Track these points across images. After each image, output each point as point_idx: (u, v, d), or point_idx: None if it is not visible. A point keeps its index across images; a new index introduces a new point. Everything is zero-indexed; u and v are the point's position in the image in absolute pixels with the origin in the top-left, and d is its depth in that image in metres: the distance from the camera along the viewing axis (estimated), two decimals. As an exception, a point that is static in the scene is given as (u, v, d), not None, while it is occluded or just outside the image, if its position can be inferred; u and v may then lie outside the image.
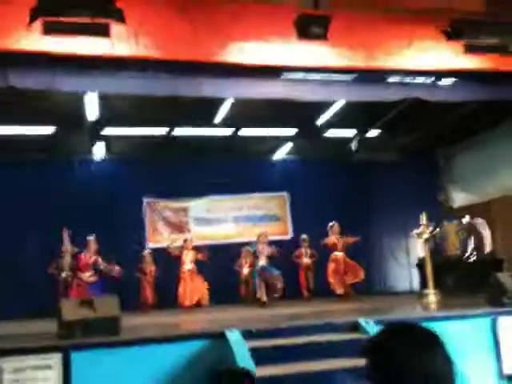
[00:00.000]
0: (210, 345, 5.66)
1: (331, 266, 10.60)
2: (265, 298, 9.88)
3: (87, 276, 9.60)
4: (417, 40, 6.98)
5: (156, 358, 5.43)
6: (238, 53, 6.26)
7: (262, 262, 10.28)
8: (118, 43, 5.46)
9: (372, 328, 5.97)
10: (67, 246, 9.96)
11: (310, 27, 5.30)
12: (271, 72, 6.63)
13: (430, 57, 7.07)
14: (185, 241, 10.78)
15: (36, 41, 5.50)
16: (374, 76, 7.10)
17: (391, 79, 7.39)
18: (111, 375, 5.31)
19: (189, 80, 6.43)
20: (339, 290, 10.43)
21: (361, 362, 4.99)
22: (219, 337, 5.66)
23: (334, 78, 6.99)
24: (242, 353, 5.33)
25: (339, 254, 10.68)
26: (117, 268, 9.81)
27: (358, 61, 6.56)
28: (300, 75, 6.80)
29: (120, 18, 4.79)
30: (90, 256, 9.67)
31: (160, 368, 5.37)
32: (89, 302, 5.63)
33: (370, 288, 12.21)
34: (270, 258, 10.41)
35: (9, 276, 10.85)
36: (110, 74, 6.15)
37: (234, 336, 5.65)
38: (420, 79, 7.55)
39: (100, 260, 9.69)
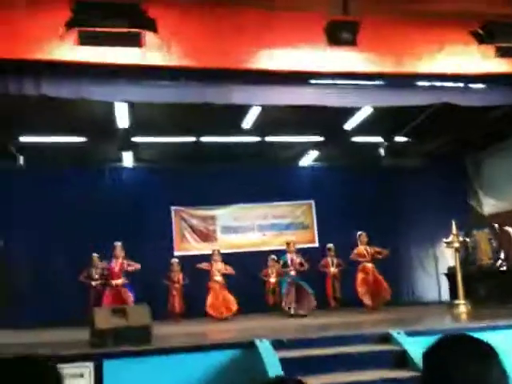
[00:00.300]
0: (240, 354, 5.62)
1: (360, 276, 10.38)
2: (293, 311, 9.77)
3: (120, 282, 9.65)
4: (447, 44, 6.88)
5: (186, 367, 5.42)
6: (267, 60, 6.25)
7: (292, 272, 10.22)
8: (149, 52, 5.50)
9: (404, 339, 5.87)
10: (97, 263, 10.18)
11: (339, 33, 5.26)
12: (300, 78, 6.61)
13: (460, 61, 6.95)
14: (213, 252, 10.77)
15: (69, 51, 5.58)
16: (403, 81, 7.01)
17: (420, 84, 7.30)
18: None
19: (218, 87, 6.44)
20: (367, 301, 10.22)
21: (392, 373, 4.88)
22: (249, 346, 5.62)
23: (362, 84, 6.92)
24: (272, 363, 5.28)
25: (368, 265, 10.46)
26: (137, 265, 9.80)
27: (387, 66, 6.49)
28: (329, 81, 6.76)
29: (153, 28, 4.83)
30: (119, 263, 9.73)
31: (190, 377, 5.35)
32: (121, 310, 5.66)
33: (397, 298, 11.98)
34: (300, 266, 10.37)
35: (39, 284, 10.99)
36: (141, 83, 6.21)
37: (264, 346, 5.60)
38: (450, 83, 7.44)
39: (126, 264, 9.78)
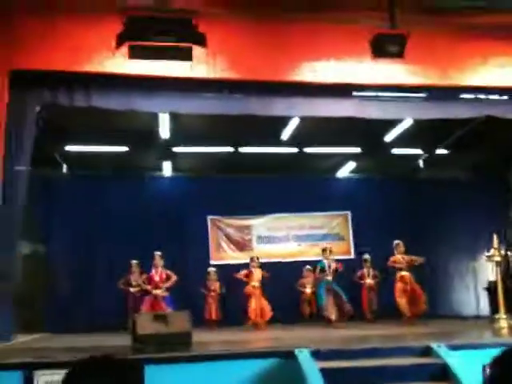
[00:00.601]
0: (279, 364, 5.64)
1: (399, 286, 10.21)
2: (333, 317, 9.82)
3: (159, 293, 9.72)
4: (492, 56, 6.85)
5: (226, 374, 5.45)
6: (310, 72, 6.34)
7: (330, 277, 10.26)
8: (196, 65, 5.65)
9: (445, 352, 5.80)
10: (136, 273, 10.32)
11: (386, 46, 5.28)
12: (342, 90, 6.66)
13: (505, 73, 6.89)
14: (251, 259, 10.80)
15: (119, 64, 5.78)
16: (446, 94, 6.98)
17: (464, 96, 7.25)
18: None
19: (261, 99, 6.56)
20: (407, 311, 10.04)
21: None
22: (288, 356, 5.63)
23: (405, 96, 6.92)
24: (312, 373, 5.28)
25: (406, 274, 10.30)
26: (174, 277, 9.87)
27: (432, 78, 6.49)
28: (371, 93, 6.79)
29: (203, 42, 4.95)
30: (159, 273, 9.84)
31: (230, 384, 5.39)
32: (162, 316, 5.76)
33: (434, 311, 11.80)
34: (336, 273, 10.37)
35: (79, 290, 11.26)
36: (187, 95, 6.37)
37: (303, 356, 5.60)
38: (493, 96, 7.36)
39: (164, 274, 9.85)
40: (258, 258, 10.79)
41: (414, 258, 10.39)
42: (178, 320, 5.72)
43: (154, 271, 9.86)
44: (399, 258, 10.41)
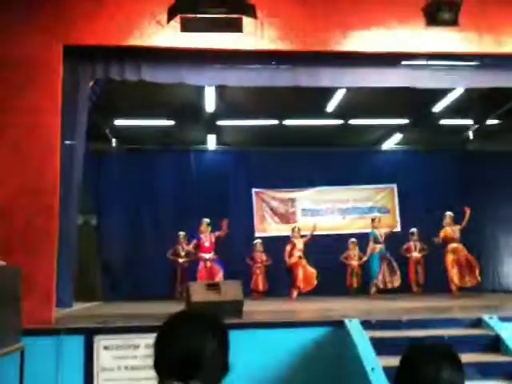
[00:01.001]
0: (329, 333, 5.73)
1: (450, 257, 10.10)
2: (389, 285, 10.23)
3: (211, 256, 10.10)
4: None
5: (277, 342, 5.59)
6: (359, 41, 6.23)
7: (382, 246, 10.54)
8: (244, 37, 5.65)
9: (496, 324, 5.76)
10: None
11: (439, 13, 5.14)
12: (392, 60, 6.54)
13: None
14: (293, 230, 10.95)
15: (169, 36, 5.84)
16: (500, 61, 6.74)
17: (519, 64, 6.99)
18: (235, 357, 5.54)
19: (308, 70, 6.50)
20: (458, 282, 9.98)
21: (485, 357, 4.80)
22: (339, 325, 5.71)
23: (457, 64, 6.74)
24: (362, 342, 5.35)
25: (457, 245, 10.18)
26: (224, 222, 10.15)
27: (485, 46, 6.28)
28: (422, 62, 6.64)
29: (253, 13, 4.94)
30: (209, 237, 10.17)
31: (281, 352, 5.52)
32: (215, 285, 5.91)
33: (483, 284, 11.65)
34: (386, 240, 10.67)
35: (129, 261, 11.64)
36: (236, 67, 6.40)
37: (353, 325, 5.67)
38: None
39: (213, 236, 10.21)
40: (299, 229, 10.94)
41: (460, 226, 10.19)
42: (231, 289, 5.86)
43: (202, 237, 10.16)
44: (449, 230, 10.28)
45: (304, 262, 10.54)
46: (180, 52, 6.06)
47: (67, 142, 6.25)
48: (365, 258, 11.10)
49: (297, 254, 10.59)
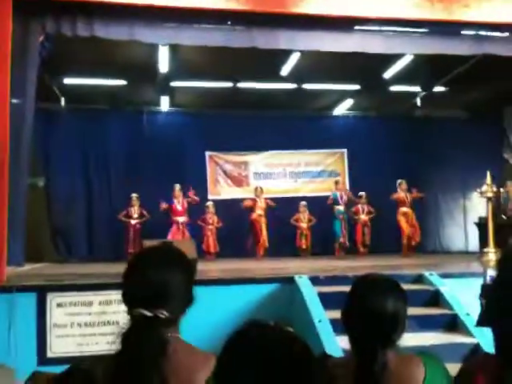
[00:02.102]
0: (280, 288, 5.97)
1: (403, 220, 10.85)
2: (347, 244, 10.98)
3: (184, 220, 10.64)
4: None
5: (230, 298, 5.78)
6: (315, 4, 6.29)
7: (342, 207, 11.13)
8: (200, -6, 5.60)
9: (436, 280, 6.13)
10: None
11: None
12: (345, 24, 6.64)
13: (510, 8, 6.85)
14: (255, 189, 11.40)
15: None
16: (449, 29, 6.97)
17: (466, 33, 7.24)
18: (190, 311, 5.69)
19: (264, 31, 6.53)
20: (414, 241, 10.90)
21: (425, 310, 5.15)
22: (289, 281, 5.95)
23: (408, 31, 6.92)
24: (311, 297, 5.60)
25: (408, 210, 10.97)
26: (197, 199, 10.83)
27: (436, 13, 6.47)
28: (374, 27, 6.77)
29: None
30: (182, 202, 10.65)
31: (234, 307, 5.68)
32: (168, 244, 5.97)
33: (424, 246, 12.24)
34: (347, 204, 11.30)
35: (79, 222, 11.52)
36: (188, 26, 6.34)
37: (302, 281, 5.92)
38: (496, 33, 7.35)
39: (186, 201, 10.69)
40: (261, 188, 11.39)
41: (416, 194, 11.09)
42: (185, 247, 5.87)
43: (175, 201, 10.59)
44: (403, 196, 11.03)
45: (264, 221, 10.99)
46: (134, 8, 5.95)
47: (16, 100, 6.07)
48: (314, 221, 11.48)
49: (258, 212, 10.97)
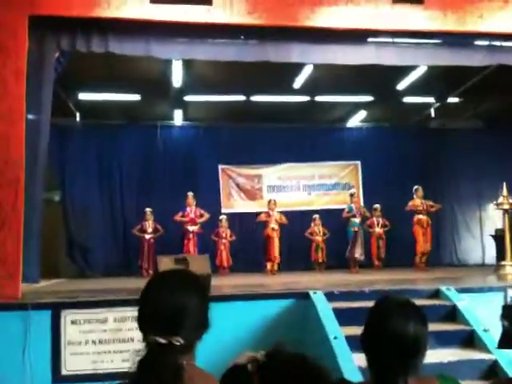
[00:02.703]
0: (295, 304, 5.89)
1: (419, 231, 10.65)
2: (362, 257, 10.64)
3: (196, 229, 10.47)
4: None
5: (245, 314, 5.72)
6: (328, 17, 6.28)
7: (358, 220, 10.84)
8: (214, 10, 5.63)
9: (454, 295, 6.02)
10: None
11: (406, -9, 5.25)
12: (359, 37, 6.62)
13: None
14: (269, 202, 11.09)
15: (137, 8, 5.76)
16: (463, 40, 6.93)
17: (479, 43, 7.19)
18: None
19: (277, 45, 6.53)
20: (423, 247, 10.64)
21: (442, 326, 5.02)
22: (304, 297, 5.88)
23: (422, 42, 6.89)
24: (326, 313, 5.52)
25: (424, 218, 10.76)
26: (207, 215, 10.71)
27: (449, 24, 6.43)
28: (388, 39, 6.75)
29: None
30: (194, 210, 10.52)
31: (250, 323, 5.64)
32: (183, 259, 5.96)
33: (440, 258, 12.10)
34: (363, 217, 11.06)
35: (94, 236, 11.53)
36: (202, 41, 6.36)
37: (317, 297, 5.84)
38: (509, 43, 7.29)
39: (199, 212, 10.58)
40: (275, 201, 11.09)
41: (431, 203, 10.87)
42: (199, 263, 5.93)
43: (188, 209, 10.50)
44: (418, 202, 10.81)
45: (277, 235, 10.70)
46: (148, 24, 6.00)
47: (32, 116, 6.13)
48: (328, 234, 11.39)
49: (272, 226, 10.69)
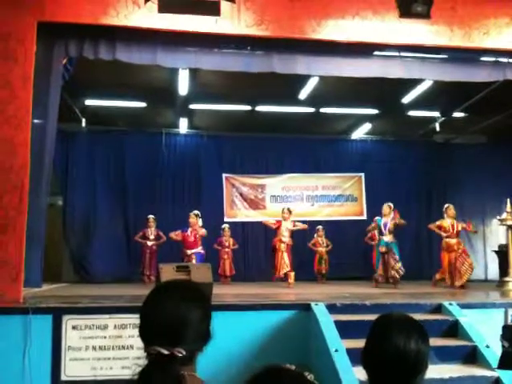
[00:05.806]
0: (296, 315, 5.87)
1: (446, 257, 9.16)
2: (381, 279, 9.36)
3: (198, 250, 9.62)
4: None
5: (246, 324, 5.70)
6: (335, 30, 6.32)
7: (387, 238, 9.25)
8: (221, 21, 5.67)
9: (456, 310, 6.00)
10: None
11: (413, 5, 5.28)
12: (365, 50, 6.66)
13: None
14: (283, 210, 10.01)
15: (144, 17, 5.81)
16: (469, 55, 6.96)
17: (485, 59, 7.22)
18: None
19: (283, 57, 6.58)
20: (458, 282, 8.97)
21: (443, 341, 4.99)
22: (305, 309, 5.86)
23: (428, 57, 6.92)
24: (327, 325, 5.51)
25: (454, 241, 9.14)
26: (204, 230, 9.75)
27: (455, 40, 6.46)
28: (394, 53, 6.79)
29: (232, -3, 4.97)
30: (194, 233, 9.64)
31: (250, 333, 5.63)
32: (185, 267, 5.95)
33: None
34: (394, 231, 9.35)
35: (96, 243, 11.54)
36: (209, 51, 6.41)
37: (319, 309, 5.83)
38: (514, 59, 7.31)
39: (198, 233, 9.66)
40: (289, 209, 9.99)
41: (464, 225, 9.40)
42: (200, 271, 5.90)
43: (189, 231, 9.62)
44: (447, 224, 9.21)
45: (285, 246, 9.65)
46: (156, 33, 6.05)
47: (39, 121, 6.17)
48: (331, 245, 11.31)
49: (280, 236, 9.73)
